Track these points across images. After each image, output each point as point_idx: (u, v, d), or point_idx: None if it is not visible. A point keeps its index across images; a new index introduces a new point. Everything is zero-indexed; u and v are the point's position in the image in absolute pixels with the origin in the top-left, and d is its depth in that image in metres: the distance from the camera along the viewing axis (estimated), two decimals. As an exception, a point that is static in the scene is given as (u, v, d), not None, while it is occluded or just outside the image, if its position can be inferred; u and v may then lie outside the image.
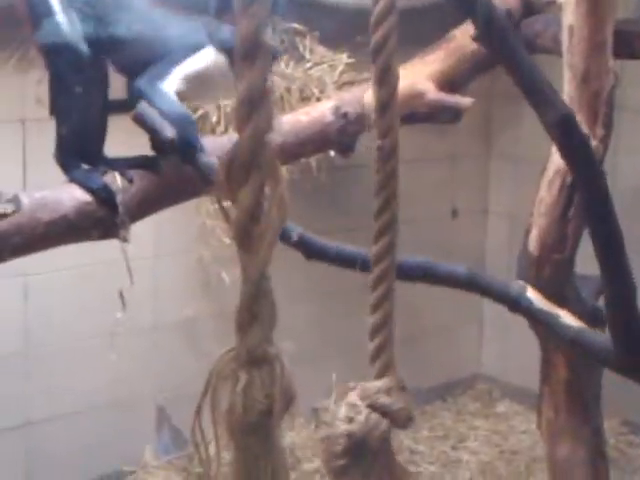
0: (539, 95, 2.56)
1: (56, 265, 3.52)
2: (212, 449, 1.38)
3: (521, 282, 2.59)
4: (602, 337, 2.37)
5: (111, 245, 2.68)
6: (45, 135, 3.44)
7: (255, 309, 1.30)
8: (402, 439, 4.30)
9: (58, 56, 2.57)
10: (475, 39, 2.18)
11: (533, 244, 3.14)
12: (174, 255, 4.00)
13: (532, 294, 2.55)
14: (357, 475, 1.58)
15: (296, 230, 2.43)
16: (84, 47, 2.53)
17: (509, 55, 2.01)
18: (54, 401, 3.78)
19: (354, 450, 1.56)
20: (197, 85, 2.63)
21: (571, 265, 3.10)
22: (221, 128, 3.80)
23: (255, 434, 1.32)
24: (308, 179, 3.88)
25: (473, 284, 2.62)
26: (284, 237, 2.30)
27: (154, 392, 4.05)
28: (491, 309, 4.93)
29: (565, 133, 2.07)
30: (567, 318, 2.48)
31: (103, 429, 3.90)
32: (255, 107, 1.29)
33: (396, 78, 1.76)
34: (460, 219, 4.97)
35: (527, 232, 3.21)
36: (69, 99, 2.58)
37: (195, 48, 2.62)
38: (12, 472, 3.72)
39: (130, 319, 3.91)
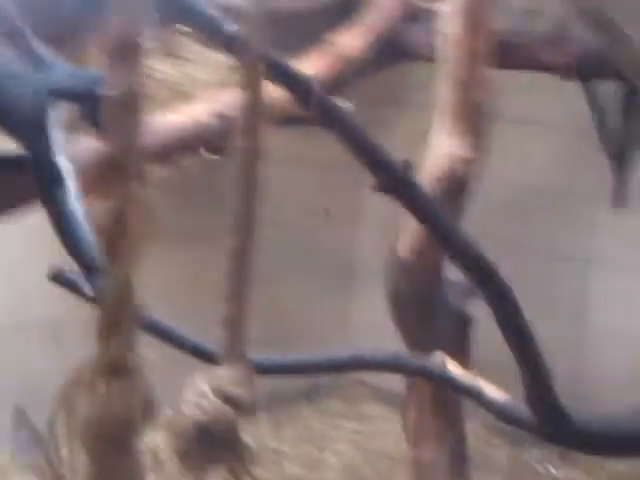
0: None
1: None
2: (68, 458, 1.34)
3: (439, 355, 2.58)
4: (524, 410, 2.47)
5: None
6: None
7: (117, 317, 1.27)
8: (266, 440, 4.31)
9: None
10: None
11: (404, 248, 3.18)
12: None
13: (453, 368, 2.56)
14: (203, 459, 1.57)
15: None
16: None
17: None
18: None
19: (200, 436, 1.55)
20: None
21: (440, 270, 3.15)
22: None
23: (113, 444, 1.29)
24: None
25: (397, 366, 2.68)
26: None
27: (12, 392, 3.94)
28: (360, 315, 4.98)
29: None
30: (490, 391, 2.52)
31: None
32: (125, 111, 1.26)
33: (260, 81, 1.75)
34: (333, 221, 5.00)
35: (397, 236, 3.25)
36: None
37: None
38: None
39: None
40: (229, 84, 3.89)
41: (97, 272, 2.36)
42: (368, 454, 4.48)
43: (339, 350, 2.69)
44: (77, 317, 3.90)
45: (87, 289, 2.24)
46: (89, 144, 2.80)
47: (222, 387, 1.56)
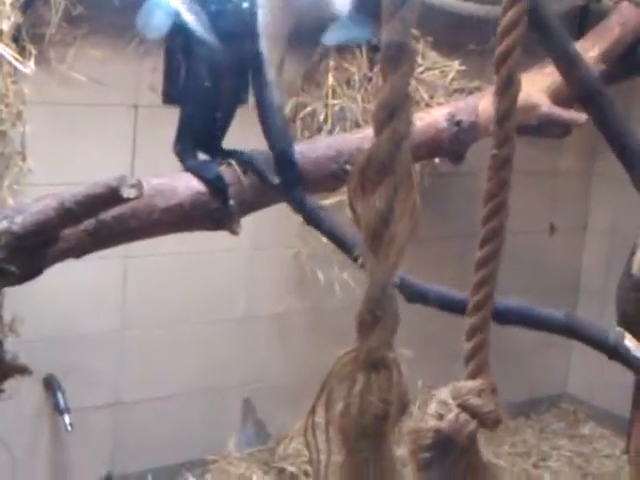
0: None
1: (157, 250, 3.56)
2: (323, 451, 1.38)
3: (619, 329, 2.55)
4: None
5: (211, 233, 2.71)
6: (156, 122, 3.51)
7: (379, 313, 1.30)
8: (483, 453, 4.25)
9: (186, 46, 2.61)
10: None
11: (637, 266, 3.09)
12: (272, 249, 4.02)
13: (630, 342, 2.51)
14: (441, 471, 1.58)
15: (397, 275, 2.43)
16: (210, 37, 2.56)
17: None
18: (145, 384, 3.82)
19: (441, 446, 1.56)
20: None
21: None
22: (328, 126, 3.81)
23: (368, 438, 1.32)
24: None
25: (571, 330, 2.63)
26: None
27: (242, 383, 4.08)
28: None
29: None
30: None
31: (190, 416, 3.94)
32: (395, 111, 1.28)
33: (517, 90, 1.73)
34: (558, 235, 4.91)
35: (632, 253, 3.16)
36: (196, 89, 2.61)
37: None
38: (99, 449, 3.78)
39: (224, 309, 3.96)
40: (464, 92, 3.91)
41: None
42: (586, 476, 4.38)
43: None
44: (303, 311, 4.05)
45: None
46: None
47: (464, 398, 1.56)
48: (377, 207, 1.28)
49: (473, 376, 1.59)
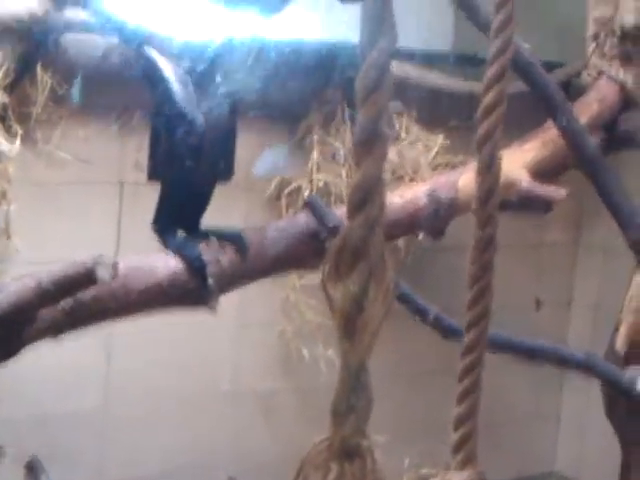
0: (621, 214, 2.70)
1: (140, 326, 3.53)
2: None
3: (634, 370, 2.58)
4: None
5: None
6: (141, 199, 3.53)
7: (352, 400, 1.29)
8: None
9: (168, 124, 2.63)
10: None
11: (621, 342, 3.09)
12: (256, 326, 4.01)
13: None
14: None
15: (433, 310, 2.47)
16: (195, 116, 2.58)
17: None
18: (129, 463, 3.78)
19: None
20: None
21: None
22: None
23: (344, 525, 1.30)
24: (394, 260, 3.87)
25: (590, 367, 2.74)
26: (422, 315, 2.39)
27: (227, 461, 4.04)
28: (570, 406, 4.84)
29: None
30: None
31: (175, 495, 3.89)
32: (369, 195, 1.30)
33: (499, 170, 1.74)
34: (544, 310, 4.91)
35: (615, 329, 3.16)
36: (176, 168, 2.62)
37: None
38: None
39: (209, 386, 3.94)
40: (448, 167, 3.94)
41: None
42: None
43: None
44: (289, 390, 4.03)
45: None
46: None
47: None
48: (351, 291, 1.29)
49: (461, 467, 1.58)
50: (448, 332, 2.62)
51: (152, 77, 2.62)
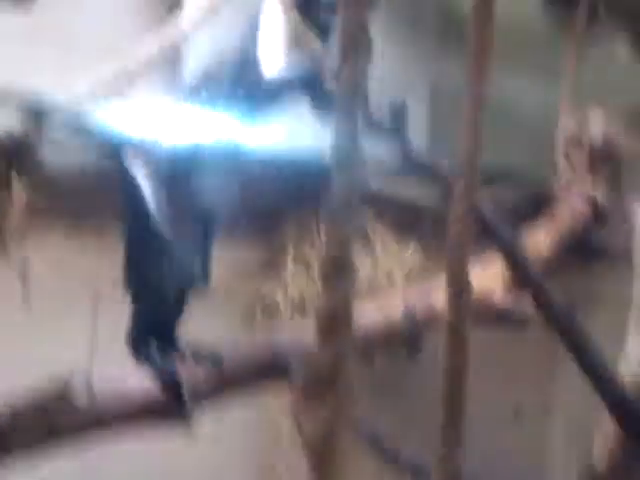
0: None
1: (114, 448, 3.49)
2: None
3: None
4: None
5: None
6: (117, 311, 3.51)
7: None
8: None
9: (139, 240, 2.64)
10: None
11: (598, 458, 3.08)
12: (232, 438, 3.95)
13: None
14: None
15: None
16: (163, 229, 2.60)
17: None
18: None
19: None
20: None
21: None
22: (288, 313, 3.83)
23: None
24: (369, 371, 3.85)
25: None
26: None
27: None
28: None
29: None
30: None
31: None
32: (335, 325, 1.30)
33: (469, 297, 1.74)
34: (522, 419, 4.87)
35: (591, 441, 3.15)
36: (147, 283, 2.63)
37: None
38: None
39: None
40: (422, 279, 3.95)
41: None
42: None
43: None
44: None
45: None
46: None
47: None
48: (319, 424, 1.28)
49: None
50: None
51: (123, 188, 2.65)
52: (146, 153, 2.69)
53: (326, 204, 1.34)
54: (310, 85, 2.56)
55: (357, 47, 1.30)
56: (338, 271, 1.34)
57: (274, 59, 2.55)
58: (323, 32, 2.58)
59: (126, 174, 2.66)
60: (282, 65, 2.55)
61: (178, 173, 2.68)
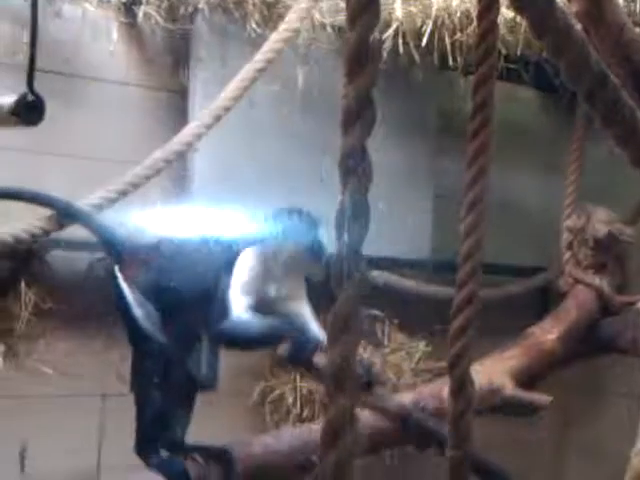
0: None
1: None
2: None
3: None
4: None
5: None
6: (124, 411, 3.51)
7: None
8: None
9: (137, 346, 2.66)
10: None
11: None
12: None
13: None
14: None
15: None
16: (159, 335, 2.61)
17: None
18: None
19: None
20: (258, 291, 2.67)
21: None
22: (297, 410, 3.82)
23: None
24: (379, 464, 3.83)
25: None
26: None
27: None
28: None
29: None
30: None
31: None
32: (339, 434, 1.30)
33: (472, 392, 1.74)
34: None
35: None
36: (150, 386, 2.63)
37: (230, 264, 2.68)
38: None
39: None
40: (431, 372, 3.95)
41: None
42: None
43: None
44: None
45: None
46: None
47: None
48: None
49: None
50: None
51: (117, 299, 2.68)
52: (139, 259, 2.73)
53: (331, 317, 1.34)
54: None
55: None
56: (342, 382, 1.34)
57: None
58: None
59: (115, 286, 2.69)
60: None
61: (169, 273, 2.70)
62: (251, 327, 2.59)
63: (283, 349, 2.72)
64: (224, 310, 2.61)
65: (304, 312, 2.74)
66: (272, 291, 2.72)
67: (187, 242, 2.76)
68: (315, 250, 2.61)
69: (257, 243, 2.67)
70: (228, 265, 2.66)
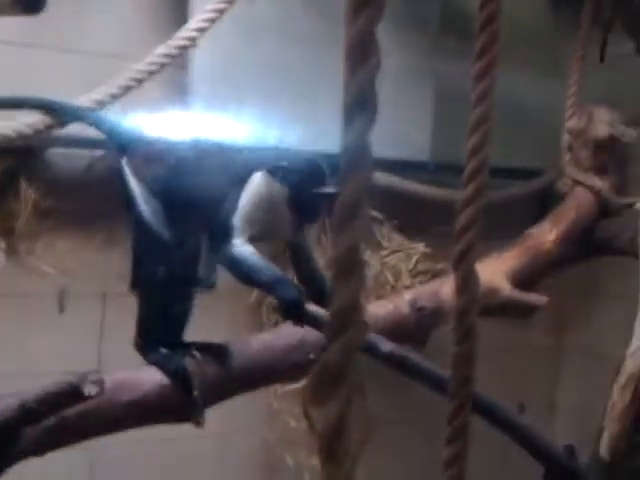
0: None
1: (121, 437, 3.52)
2: None
3: None
4: None
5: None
6: (124, 310, 3.54)
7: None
8: None
9: (141, 242, 2.66)
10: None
11: (604, 450, 3.08)
12: (239, 433, 3.98)
13: None
14: None
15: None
16: (164, 232, 2.61)
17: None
18: None
19: None
20: (261, 221, 2.67)
21: (644, 474, 3.03)
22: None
23: None
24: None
25: None
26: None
27: None
28: None
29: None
30: None
31: None
32: (346, 322, 1.31)
33: (477, 286, 1.74)
34: (527, 415, 4.88)
35: (598, 436, 3.15)
36: (152, 283, 2.64)
37: (242, 181, 2.66)
38: None
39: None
40: (429, 274, 3.97)
41: None
42: None
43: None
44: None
45: None
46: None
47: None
48: (330, 418, 1.29)
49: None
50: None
51: (123, 192, 2.67)
52: (156, 150, 2.72)
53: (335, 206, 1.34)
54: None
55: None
56: (348, 271, 1.35)
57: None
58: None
59: (122, 179, 2.68)
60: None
61: (182, 175, 2.69)
62: (249, 266, 2.58)
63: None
64: (227, 227, 2.60)
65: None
66: (271, 226, 2.71)
67: (206, 147, 2.74)
68: (316, 204, 2.59)
69: (271, 166, 2.63)
70: (240, 181, 2.64)
